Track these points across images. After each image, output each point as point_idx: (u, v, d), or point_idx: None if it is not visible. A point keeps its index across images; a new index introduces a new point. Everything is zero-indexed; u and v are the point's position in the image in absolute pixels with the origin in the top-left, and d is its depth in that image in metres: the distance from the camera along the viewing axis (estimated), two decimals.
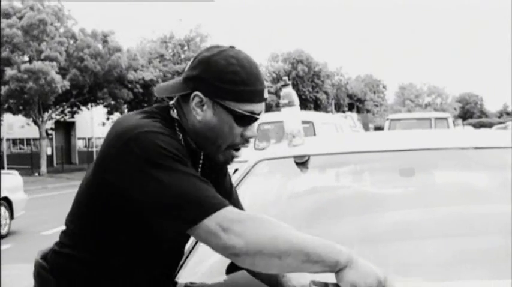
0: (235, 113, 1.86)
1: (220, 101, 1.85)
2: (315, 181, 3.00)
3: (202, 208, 1.69)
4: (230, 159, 1.97)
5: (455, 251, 2.27)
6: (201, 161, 2.04)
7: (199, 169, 2.02)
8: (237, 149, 1.96)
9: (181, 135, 1.94)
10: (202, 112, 1.88)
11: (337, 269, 1.66)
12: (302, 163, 2.77)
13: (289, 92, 2.78)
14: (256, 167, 2.80)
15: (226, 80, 1.84)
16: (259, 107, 1.91)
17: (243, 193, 2.69)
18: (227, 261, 2.21)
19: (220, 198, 1.73)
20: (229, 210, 1.70)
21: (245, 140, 1.94)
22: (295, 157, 2.76)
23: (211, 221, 1.67)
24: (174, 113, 1.97)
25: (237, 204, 2.20)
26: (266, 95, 1.93)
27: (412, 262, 2.25)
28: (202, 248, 2.37)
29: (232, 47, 1.93)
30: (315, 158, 2.79)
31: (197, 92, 1.86)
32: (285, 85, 2.79)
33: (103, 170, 1.84)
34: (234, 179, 2.74)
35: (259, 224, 1.68)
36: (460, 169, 2.85)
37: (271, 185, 2.94)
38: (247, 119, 1.89)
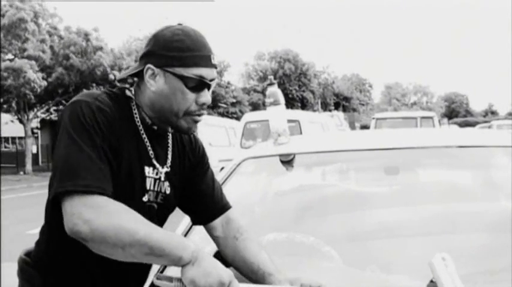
0: (184, 77, 1.94)
1: (169, 68, 1.95)
2: (301, 179, 3.01)
3: (69, 184, 1.73)
4: (193, 125, 2.03)
5: (439, 249, 2.29)
6: (169, 143, 2.14)
7: (169, 150, 2.12)
8: (198, 115, 2.03)
9: (136, 112, 2.03)
10: (155, 83, 1.98)
11: (180, 264, 1.73)
12: (287, 161, 2.78)
13: (274, 91, 2.78)
14: (241, 165, 2.80)
15: (172, 48, 1.95)
16: (209, 72, 1.98)
17: (228, 191, 2.69)
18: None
19: (98, 182, 1.76)
20: (95, 197, 1.73)
21: (200, 107, 2.00)
22: (280, 155, 2.77)
23: (69, 203, 1.72)
24: (128, 92, 2.07)
25: (220, 198, 2.26)
26: (214, 61, 2.01)
27: (397, 260, 2.26)
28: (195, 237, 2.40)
29: (180, 24, 2.05)
30: (300, 156, 2.79)
31: (148, 65, 1.97)
32: (271, 84, 2.80)
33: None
34: (220, 177, 2.75)
35: (109, 214, 1.72)
36: (444, 167, 2.87)
37: (256, 183, 2.94)
38: (197, 84, 1.96)
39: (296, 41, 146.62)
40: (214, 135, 19.08)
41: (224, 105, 50.36)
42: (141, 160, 2.00)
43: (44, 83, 32.05)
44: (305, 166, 2.96)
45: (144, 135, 2.03)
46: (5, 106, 34.38)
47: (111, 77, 34.77)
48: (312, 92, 68.78)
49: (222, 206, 2.25)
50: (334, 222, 2.61)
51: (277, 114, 2.79)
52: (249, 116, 17.43)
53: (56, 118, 43.75)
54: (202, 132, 18.10)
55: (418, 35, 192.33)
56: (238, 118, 39.93)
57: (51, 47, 34.01)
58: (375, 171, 2.87)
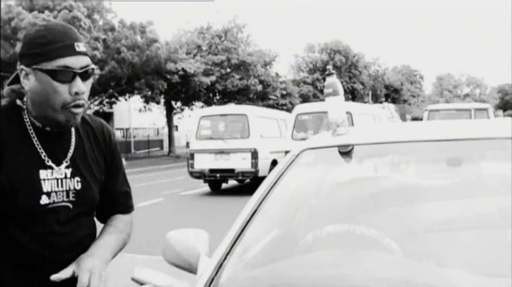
0: (49, 71, 1.98)
1: (35, 65, 2.00)
2: (359, 170, 2.96)
3: None
4: (71, 118, 2.05)
5: (501, 243, 2.23)
6: (72, 140, 2.19)
7: (70, 148, 2.18)
8: (74, 106, 2.04)
9: (26, 119, 2.10)
10: (28, 82, 2.03)
11: None
12: (346, 152, 2.74)
13: (333, 81, 2.75)
14: (300, 156, 2.78)
15: (35, 45, 2.00)
16: (74, 61, 2.00)
17: (287, 182, 2.68)
18: (269, 251, 2.22)
19: None
20: None
21: (75, 97, 2.03)
22: (339, 146, 2.73)
23: None
24: (18, 101, 2.13)
25: (124, 201, 2.44)
26: (80, 48, 2.03)
27: (456, 254, 2.21)
28: (247, 237, 2.39)
29: (47, 21, 2.19)
30: (359, 147, 2.75)
31: (20, 66, 2.04)
32: (330, 74, 2.77)
33: None
34: (279, 168, 2.73)
35: None
36: (507, 159, 2.79)
37: (315, 174, 2.91)
38: (63, 74, 1.99)
39: (346, 32, 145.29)
40: (265, 127, 19.09)
41: (274, 97, 50.36)
42: (33, 165, 2.06)
43: (96, 76, 32.57)
44: (364, 157, 2.91)
45: (35, 140, 2.08)
46: None
47: (168, 67, 35.12)
48: (362, 83, 68.33)
49: (123, 209, 2.43)
50: (393, 214, 2.57)
51: (336, 105, 2.76)
52: (301, 107, 17.38)
53: (109, 110, 44.46)
54: (253, 124, 18.16)
55: (471, 25, 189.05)
56: (288, 110, 39.91)
57: (104, 41, 34.48)
58: (437, 163, 2.81)
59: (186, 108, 49.44)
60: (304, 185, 2.87)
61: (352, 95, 64.61)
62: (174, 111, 48.51)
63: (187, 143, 25.86)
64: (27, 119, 2.09)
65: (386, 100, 68.60)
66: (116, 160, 2.39)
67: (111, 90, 38.06)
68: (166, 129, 51.92)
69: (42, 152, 2.08)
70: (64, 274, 2.04)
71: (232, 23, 48.76)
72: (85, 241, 2.22)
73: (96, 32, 33.79)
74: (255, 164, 17.75)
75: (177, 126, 54.04)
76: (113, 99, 41.77)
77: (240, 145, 18.00)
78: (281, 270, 2.27)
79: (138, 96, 42.56)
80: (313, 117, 16.69)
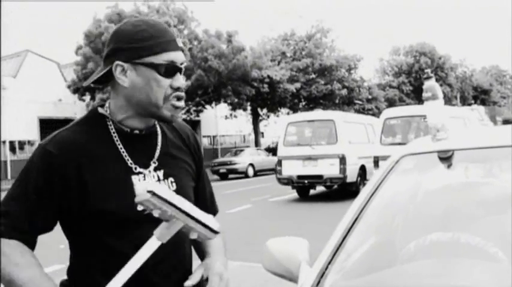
0: (156, 65, 1.95)
1: (138, 60, 1.96)
2: (460, 176, 2.88)
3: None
4: (175, 112, 2.03)
5: None
6: (159, 142, 2.15)
7: (157, 149, 2.12)
8: (177, 98, 2.02)
9: (111, 125, 2.06)
10: (127, 78, 1.98)
11: None
12: (446, 157, 2.68)
13: (432, 85, 2.69)
14: (400, 162, 2.72)
15: (137, 39, 1.96)
16: (177, 56, 2.00)
17: (387, 190, 2.63)
18: (370, 260, 2.17)
19: (14, 225, 1.92)
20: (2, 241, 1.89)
21: (175, 90, 2.00)
22: (439, 151, 2.67)
23: None
24: (101, 109, 2.10)
25: (211, 202, 2.41)
26: (180, 43, 2.02)
27: None
28: (348, 246, 2.35)
29: (136, 17, 2.08)
30: (460, 152, 2.68)
31: (116, 62, 1.97)
32: (428, 78, 2.71)
33: None
34: (378, 174, 2.69)
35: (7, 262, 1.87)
36: None
37: (414, 181, 2.85)
38: (169, 69, 1.97)
39: (431, 34, 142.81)
40: (353, 132, 18.97)
41: (360, 102, 50.00)
42: (122, 172, 2.01)
43: (188, 83, 33.22)
44: (465, 162, 2.83)
45: (121, 147, 2.03)
46: None
47: (254, 74, 35.38)
48: (450, 85, 66.93)
49: (214, 210, 2.39)
50: (497, 222, 2.47)
51: (436, 109, 2.69)
52: (388, 112, 17.17)
53: (196, 118, 45.14)
54: (341, 129, 18.07)
55: None
56: (374, 114, 39.53)
57: (190, 50, 35.10)
58: None
59: (272, 114, 49.69)
60: (404, 191, 2.81)
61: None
62: (260, 118, 48.83)
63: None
64: (111, 126, 2.05)
65: (475, 102, 66.97)
66: (202, 159, 2.36)
67: (198, 99, 38.61)
68: (252, 136, 52.28)
69: (128, 159, 2.03)
70: (195, 278, 2.04)
71: (315, 28, 48.73)
72: (185, 245, 2.17)
73: (182, 39, 34.42)
74: (343, 170, 17.64)
75: (263, 133, 54.31)
76: (200, 108, 42.37)
77: (328, 151, 17.92)
78: (383, 280, 2.23)
79: (225, 104, 43.06)
80: (402, 121, 16.47)
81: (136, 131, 2.07)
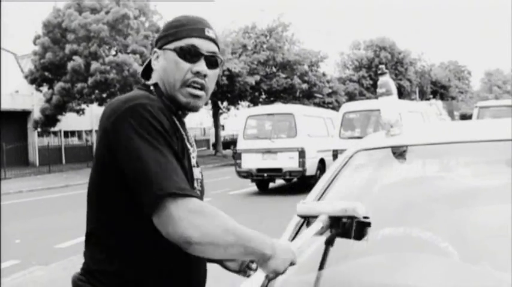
0: (177, 48, 2.03)
1: (166, 45, 2.06)
2: (413, 171, 2.91)
3: (170, 190, 1.74)
4: (190, 99, 2.04)
5: None
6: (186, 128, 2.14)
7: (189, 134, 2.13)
8: (193, 87, 2.03)
9: (166, 102, 2.04)
10: (157, 63, 2.09)
11: (264, 259, 1.86)
12: (400, 153, 2.70)
13: (386, 81, 2.71)
14: (354, 157, 2.74)
15: (169, 28, 2.09)
16: (203, 43, 2.05)
17: (341, 183, 2.64)
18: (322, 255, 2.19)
19: (188, 186, 1.80)
20: (193, 201, 1.77)
21: (195, 75, 2.02)
22: (393, 147, 2.69)
23: (174, 207, 1.74)
24: (152, 87, 2.10)
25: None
26: (209, 33, 2.07)
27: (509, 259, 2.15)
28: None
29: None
30: (413, 148, 2.70)
31: (154, 49, 2.13)
32: (382, 73, 2.73)
33: (103, 145, 1.92)
34: (332, 169, 2.70)
35: (215, 218, 1.78)
36: None
37: (368, 176, 2.87)
38: (190, 53, 2.03)
39: (391, 28, 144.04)
40: (312, 126, 19.04)
41: (320, 96, 50.16)
42: (186, 151, 2.02)
43: None
44: (418, 158, 2.86)
45: (177, 123, 2.03)
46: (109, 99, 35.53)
47: None
48: (409, 80, 67.60)
49: None
50: (448, 217, 2.51)
51: (390, 105, 2.71)
52: (348, 106, 17.29)
53: None
54: (300, 123, 18.13)
55: None
56: (334, 108, 39.70)
57: (152, 44, 34.91)
58: (494, 164, 2.73)
59: (232, 107, 49.64)
60: (357, 186, 2.83)
61: (399, 92, 63.85)
62: (220, 111, 48.73)
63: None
64: (168, 103, 2.04)
65: (434, 97, 67.76)
66: None
67: None
68: (213, 129, 52.14)
69: (185, 138, 2.06)
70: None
71: (277, 22, 48.73)
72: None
73: (144, 31, 34.17)
74: (302, 163, 17.71)
75: (223, 126, 54.24)
76: None
77: (287, 144, 17.97)
78: (336, 274, 2.24)
79: None
80: (361, 115, 16.60)
81: (179, 112, 2.10)
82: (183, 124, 2.09)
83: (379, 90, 2.72)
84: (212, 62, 2.07)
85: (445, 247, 2.20)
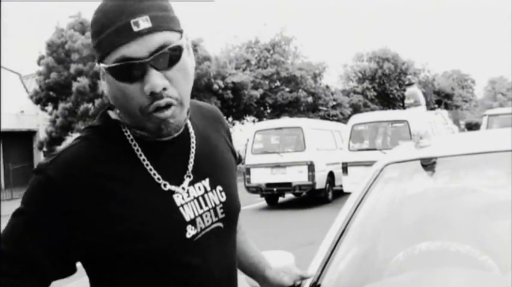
0: (111, 69, 1.43)
1: (100, 62, 1.46)
2: (445, 183, 2.85)
3: None
4: (162, 124, 1.48)
5: None
6: (193, 143, 1.66)
7: (192, 151, 1.65)
8: (157, 110, 1.46)
9: (127, 132, 1.55)
10: (105, 84, 1.51)
11: None
12: (429, 165, 2.65)
13: (414, 92, 2.69)
14: (384, 170, 2.69)
15: (92, 35, 1.47)
16: (137, 48, 1.40)
17: (372, 199, 2.59)
18: (360, 272, 2.12)
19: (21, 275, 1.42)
20: None
21: (152, 97, 1.44)
22: (422, 159, 2.64)
23: None
24: (112, 113, 1.61)
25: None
26: (141, 26, 1.40)
27: None
28: (337, 259, 2.30)
29: None
30: (443, 159, 2.65)
31: (95, 63, 1.59)
32: (410, 84, 2.74)
33: None
34: (363, 184, 2.65)
35: None
36: None
37: (400, 189, 2.81)
38: (124, 71, 1.42)
39: (394, 39, 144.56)
40: (321, 139, 19.01)
41: (324, 109, 50.18)
42: (151, 192, 1.54)
43: None
44: (450, 170, 2.80)
45: (143, 158, 1.54)
46: None
47: (215, 86, 35.34)
48: None
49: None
50: (485, 230, 2.46)
51: (418, 116, 2.67)
52: (356, 118, 17.25)
53: None
54: (308, 136, 18.08)
55: None
56: (339, 120, 39.69)
57: None
58: None
59: (237, 122, 49.69)
60: (390, 201, 2.77)
61: (403, 103, 63.85)
62: None
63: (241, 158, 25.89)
64: (128, 133, 1.55)
65: (439, 106, 67.77)
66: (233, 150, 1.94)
67: None
68: None
69: (155, 175, 1.54)
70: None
71: (280, 36, 48.87)
72: (235, 265, 1.80)
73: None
74: (311, 177, 17.63)
75: None
76: None
77: (296, 158, 17.89)
78: None
79: None
80: (369, 127, 16.56)
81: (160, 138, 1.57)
82: (163, 149, 1.59)
83: (407, 101, 2.69)
84: (166, 58, 1.44)
85: (484, 260, 2.15)
